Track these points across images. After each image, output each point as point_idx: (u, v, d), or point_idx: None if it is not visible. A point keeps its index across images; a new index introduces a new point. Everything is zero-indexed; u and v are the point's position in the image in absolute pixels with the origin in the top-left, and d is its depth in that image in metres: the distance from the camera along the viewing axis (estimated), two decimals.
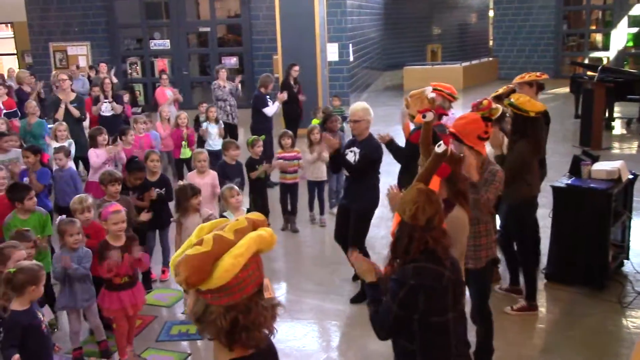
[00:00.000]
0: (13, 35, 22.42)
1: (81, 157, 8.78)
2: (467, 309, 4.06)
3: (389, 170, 6.85)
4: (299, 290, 6.21)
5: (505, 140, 5.58)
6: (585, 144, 10.81)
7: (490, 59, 22.76)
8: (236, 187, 5.78)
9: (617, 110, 13.80)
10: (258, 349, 1.89)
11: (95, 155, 7.43)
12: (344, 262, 6.31)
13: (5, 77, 14.81)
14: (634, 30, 21.06)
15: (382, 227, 7.47)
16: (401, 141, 6.26)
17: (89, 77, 13.46)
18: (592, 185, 5.93)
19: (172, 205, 6.36)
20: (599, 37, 22.94)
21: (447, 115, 6.14)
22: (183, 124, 9.25)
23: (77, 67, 14.34)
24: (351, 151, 5.89)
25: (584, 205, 5.86)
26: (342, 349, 5.21)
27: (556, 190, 6.03)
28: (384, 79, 22.34)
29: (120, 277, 4.82)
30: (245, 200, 6.91)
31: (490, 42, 26.21)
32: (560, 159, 8.52)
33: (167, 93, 11.48)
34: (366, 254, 5.74)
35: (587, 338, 5.15)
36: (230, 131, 10.29)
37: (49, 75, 15.14)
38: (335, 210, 7.98)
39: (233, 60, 18.13)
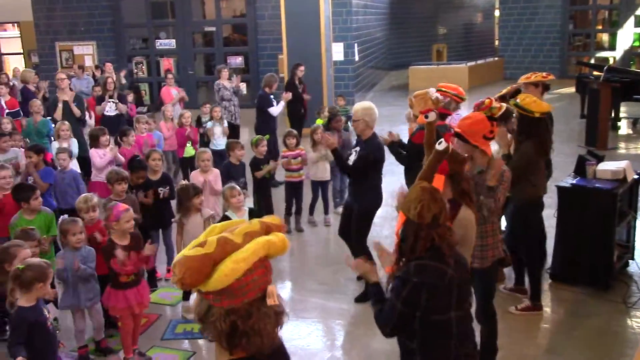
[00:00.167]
0: (19, 35, 22.51)
1: (80, 157, 8.76)
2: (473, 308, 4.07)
3: (393, 170, 6.86)
4: (303, 290, 6.22)
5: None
6: (591, 144, 10.79)
7: (496, 58, 22.72)
8: (237, 187, 5.78)
9: (623, 110, 13.74)
10: (259, 354, 1.86)
11: (99, 156, 7.43)
12: None
13: (11, 76, 14.88)
14: None
15: (385, 227, 7.48)
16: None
17: (94, 77, 13.50)
18: (597, 185, 5.92)
19: (173, 203, 6.38)
20: (605, 37, 22.87)
21: (450, 114, 6.16)
22: (187, 122, 9.26)
23: (80, 66, 14.35)
24: (355, 151, 5.90)
25: (589, 205, 5.85)
26: (346, 347, 5.22)
27: (561, 190, 6.02)
28: (389, 78, 22.33)
29: (127, 276, 4.85)
30: (249, 199, 6.92)
31: (496, 42, 26.18)
32: (566, 159, 8.50)
33: (172, 92, 11.51)
34: (368, 253, 5.76)
35: (592, 338, 5.14)
36: (232, 131, 10.29)
37: (55, 75, 15.18)
38: (340, 209, 8.02)
39: (238, 60, 18.15)
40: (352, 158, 5.86)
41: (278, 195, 8.11)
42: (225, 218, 5.53)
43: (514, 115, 5.46)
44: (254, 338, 1.83)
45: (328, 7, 13.72)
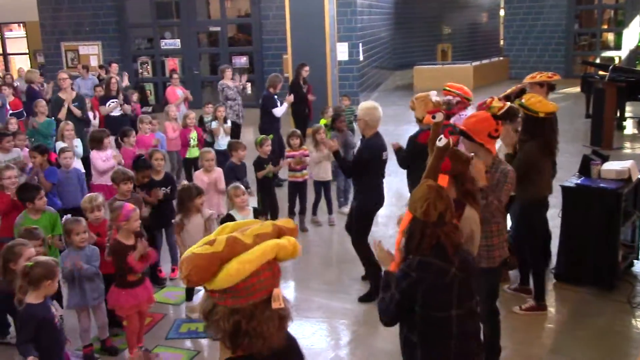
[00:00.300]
0: (25, 35, 22.61)
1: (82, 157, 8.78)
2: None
3: (397, 171, 6.84)
4: (308, 289, 6.23)
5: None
6: (596, 144, 10.76)
7: (501, 58, 22.68)
8: (242, 187, 5.80)
9: (629, 110, 13.72)
10: (259, 354, 1.87)
11: (101, 159, 7.44)
12: (352, 262, 6.33)
13: (15, 76, 14.94)
14: None
15: (390, 226, 7.48)
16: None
17: (99, 77, 13.51)
18: (601, 185, 5.91)
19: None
20: (610, 37, 22.80)
21: (454, 113, 6.17)
22: (191, 123, 9.25)
23: (85, 66, 14.38)
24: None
25: (593, 205, 5.84)
26: (350, 347, 5.22)
27: (565, 190, 6.01)
28: (394, 78, 22.31)
29: (135, 274, 4.88)
30: (253, 199, 6.93)
31: (501, 42, 26.13)
32: (571, 158, 8.49)
33: (177, 92, 11.53)
34: (369, 251, 5.78)
35: (596, 338, 5.13)
36: (234, 131, 10.31)
37: (57, 75, 15.22)
38: (344, 209, 8.04)
39: (243, 60, 18.18)
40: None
41: (282, 195, 8.12)
42: (229, 217, 5.55)
43: (520, 115, 5.46)
44: (256, 339, 1.84)
45: (333, 6, 13.72)
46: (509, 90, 6.57)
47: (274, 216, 7.33)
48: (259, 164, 7.36)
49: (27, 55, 22.62)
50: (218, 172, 6.83)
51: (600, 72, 14.31)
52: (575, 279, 5.95)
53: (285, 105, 10.24)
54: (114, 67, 13.26)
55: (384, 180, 6.02)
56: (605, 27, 22.85)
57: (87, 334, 5.05)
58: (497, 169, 4.36)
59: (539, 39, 21.62)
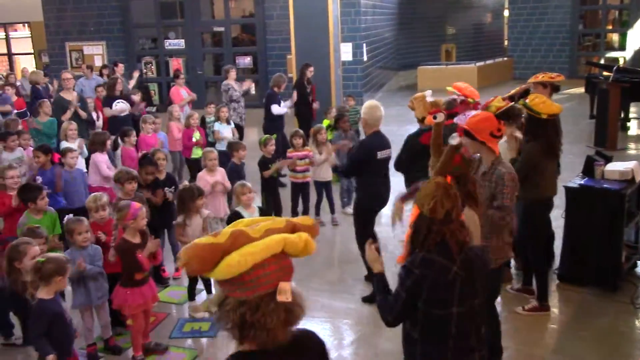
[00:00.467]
0: (30, 35, 22.67)
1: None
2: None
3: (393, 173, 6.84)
4: (311, 289, 6.23)
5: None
6: (600, 145, 10.74)
7: (505, 58, 22.64)
8: (248, 184, 5.83)
9: (633, 110, 13.68)
10: (267, 347, 1.90)
11: (106, 165, 7.47)
12: (355, 262, 6.34)
13: (19, 76, 14.97)
14: None
15: (394, 227, 7.46)
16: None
17: (107, 76, 13.49)
18: (605, 185, 5.90)
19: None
20: (615, 37, 22.75)
21: (457, 112, 6.17)
22: (195, 124, 9.25)
23: (89, 66, 14.42)
24: None
25: (596, 205, 5.83)
26: (353, 347, 5.22)
27: (569, 191, 6.00)
28: (397, 78, 22.31)
29: (142, 273, 4.92)
30: (257, 198, 6.94)
31: (505, 42, 26.08)
32: (574, 159, 8.48)
33: (181, 93, 11.55)
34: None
35: (599, 339, 5.12)
36: (238, 133, 10.33)
37: (61, 75, 15.27)
38: (347, 209, 8.05)
39: (247, 60, 18.20)
40: None
41: (286, 195, 8.12)
42: (236, 214, 5.58)
43: (523, 115, 5.46)
44: (260, 331, 1.87)
45: (337, 7, 13.73)
46: (512, 91, 6.56)
47: (278, 216, 7.34)
48: (263, 163, 7.38)
49: (32, 55, 22.67)
50: (221, 172, 6.86)
51: (605, 73, 14.29)
52: (578, 279, 5.95)
53: (287, 104, 10.25)
54: (120, 67, 13.27)
55: (391, 180, 6.03)
56: (610, 27, 22.80)
57: (91, 333, 5.07)
58: (494, 171, 4.35)
59: (543, 40, 21.58)
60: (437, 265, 2.95)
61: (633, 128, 13.24)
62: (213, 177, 6.75)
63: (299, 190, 7.83)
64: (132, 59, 18.37)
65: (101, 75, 13.55)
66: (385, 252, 6.23)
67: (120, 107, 10.24)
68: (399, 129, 11.70)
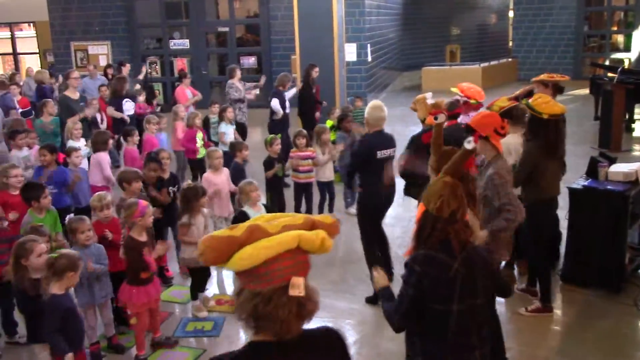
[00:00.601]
0: (35, 35, 22.74)
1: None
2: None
3: None
4: None
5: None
6: (604, 146, 10.72)
7: (510, 59, 22.61)
8: (255, 182, 5.86)
9: (638, 112, 13.63)
10: (281, 339, 1.95)
11: (111, 166, 7.49)
12: (358, 262, 6.35)
13: (23, 75, 15.01)
14: None
15: (397, 227, 7.48)
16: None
17: (112, 76, 13.53)
18: (608, 187, 5.89)
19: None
20: (620, 38, 22.69)
21: (460, 113, 6.19)
22: (198, 124, 9.25)
23: (94, 66, 14.46)
24: None
25: (600, 207, 5.82)
26: (356, 347, 5.23)
27: (572, 192, 6.00)
28: (402, 79, 22.30)
29: (149, 272, 4.96)
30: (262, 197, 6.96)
31: (510, 43, 26.04)
32: (579, 160, 8.45)
33: (187, 92, 11.58)
34: (375, 257, 5.85)
35: (602, 340, 5.12)
36: (242, 131, 10.38)
37: (70, 74, 15.29)
38: (350, 209, 8.05)
39: (251, 60, 18.22)
40: None
41: (289, 195, 8.13)
42: (242, 214, 5.59)
43: (527, 115, 5.47)
44: (273, 323, 1.92)
45: (341, 7, 13.72)
46: (517, 92, 6.58)
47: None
48: (269, 163, 7.40)
49: (37, 55, 22.74)
50: (226, 173, 6.89)
51: (610, 74, 14.27)
52: (581, 281, 5.94)
53: (292, 91, 10.49)
54: (127, 67, 13.30)
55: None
56: (615, 28, 22.74)
57: (94, 331, 5.09)
58: (487, 171, 4.38)
59: (548, 41, 21.54)
60: (437, 261, 2.98)
61: (637, 129, 13.20)
62: (219, 177, 6.77)
63: (302, 190, 7.83)
64: (137, 58, 18.41)
65: (105, 75, 13.59)
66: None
67: (129, 106, 10.30)
68: (403, 129, 11.69)
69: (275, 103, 10.04)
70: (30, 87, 13.46)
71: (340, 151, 8.15)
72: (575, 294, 5.87)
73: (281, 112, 10.08)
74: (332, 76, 13.35)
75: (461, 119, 6.18)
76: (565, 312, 5.62)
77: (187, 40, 18.64)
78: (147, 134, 8.73)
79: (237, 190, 6.26)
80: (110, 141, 7.78)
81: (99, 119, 10.38)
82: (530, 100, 5.27)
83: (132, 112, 10.47)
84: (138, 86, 12.33)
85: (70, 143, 7.99)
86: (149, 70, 18.56)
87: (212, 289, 6.37)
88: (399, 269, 3.50)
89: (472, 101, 6.38)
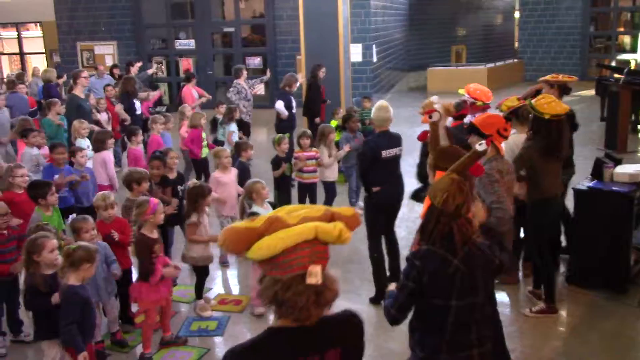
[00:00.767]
0: (42, 35, 22.82)
1: None
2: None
3: (409, 172, 6.84)
4: None
5: None
6: (610, 147, 10.69)
7: (516, 60, 22.57)
8: (262, 180, 5.90)
9: None
10: (301, 324, 2.04)
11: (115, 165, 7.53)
12: (361, 262, 6.35)
13: (30, 75, 15.06)
14: None
15: (402, 228, 7.48)
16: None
17: (119, 76, 13.57)
18: (614, 188, 5.87)
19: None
20: (626, 39, 22.62)
21: (466, 113, 6.19)
22: (203, 124, 9.28)
23: (103, 66, 14.54)
24: None
25: (605, 208, 5.81)
26: None
27: (578, 193, 5.98)
28: (407, 80, 22.29)
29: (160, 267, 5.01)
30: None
31: (516, 44, 25.99)
32: (585, 161, 8.43)
33: (193, 92, 11.64)
34: (377, 253, 5.91)
35: (607, 342, 5.11)
36: (246, 129, 10.43)
37: (79, 73, 15.34)
38: (356, 209, 8.05)
39: (257, 61, 18.24)
40: None
41: (294, 195, 8.14)
42: (253, 214, 5.60)
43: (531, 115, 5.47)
44: (292, 309, 2.01)
45: (347, 8, 13.71)
46: (526, 91, 6.58)
47: None
48: (276, 162, 7.42)
49: (44, 55, 22.82)
50: (234, 172, 6.92)
51: (616, 75, 14.21)
52: (586, 282, 5.93)
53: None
54: (136, 66, 13.36)
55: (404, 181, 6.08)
56: (621, 29, 22.67)
57: (99, 329, 5.11)
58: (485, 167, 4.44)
59: (554, 42, 21.49)
60: (438, 257, 3.03)
61: None
62: (227, 176, 6.80)
63: (306, 190, 7.83)
64: (143, 58, 18.44)
65: (112, 74, 13.63)
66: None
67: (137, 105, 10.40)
68: (408, 130, 11.70)
69: (280, 105, 10.06)
70: (38, 86, 13.51)
71: (347, 152, 8.15)
72: (580, 295, 5.85)
73: (286, 113, 10.10)
74: (337, 77, 13.34)
75: (467, 119, 6.18)
76: (570, 313, 5.61)
77: (193, 41, 18.67)
78: (153, 134, 8.74)
79: (241, 191, 6.28)
80: (111, 140, 7.78)
81: (105, 119, 10.42)
82: (533, 101, 5.27)
83: (139, 111, 10.53)
84: (145, 92, 12.34)
85: (78, 142, 8.03)
86: (155, 71, 18.63)
87: (216, 289, 6.38)
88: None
89: (478, 103, 6.38)
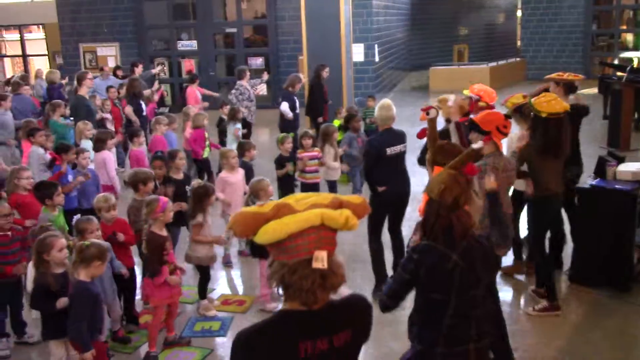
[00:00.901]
0: (44, 37, 22.87)
1: None
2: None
3: (414, 171, 6.84)
4: None
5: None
6: (613, 145, 10.67)
7: (518, 59, 22.55)
8: (266, 179, 5.94)
9: None
10: (309, 307, 2.11)
11: (115, 164, 7.55)
12: (364, 261, 6.35)
13: (32, 77, 15.08)
14: None
15: (405, 227, 7.46)
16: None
17: (123, 77, 13.59)
18: (616, 186, 5.86)
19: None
20: (629, 37, 22.58)
21: (471, 111, 6.21)
22: (206, 125, 9.29)
23: (106, 68, 14.56)
24: None
25: (608, 206, 5.80)
26: (364, 347, 5.21)
27: (580, 192, 5.98)
28: (409, 79, 22.28)
29: (169, 265, 5.05)
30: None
31: (518, 43, 25.98)
32: (587, 159, 8.39)
33: (197, 93, 11.67)
34: (380, 250, 6.01)
35: (610, 340, 5.10)
36: (249, 130, 10.45)
37: (84, 75, 15.35)
38: None
39: (259, 61, 18.25)
40: None
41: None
42: None
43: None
44: (299, 292, 2.09)
45: (348, 8, 13.73)
46: (534, 90, 6.59)
47: None
48: (280, 161, 7.43)
49: (46, 57, 22.87)
50: (241, 172, 6.93)
51: (618, 73, 14.19)
52: (589, 280, 5.92)
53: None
54: (140, 67, 13.38)
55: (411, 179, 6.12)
56: (624, 27, 22.63)
57: (105, 328, 5.13)
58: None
59: (557, 40, 21.46)
60: (436, 252, 3.07)
61: None
62: (234, 176, 6.82)
63: (309, 190, 7.83)
64: (145, 60, 18.47)
65: (115, 76, 13.66)
66: (390, 250, 6.23)
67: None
68: (410, 129, 11.69)
69: (285, 107, 10.08)
70: (42, 88, 13.53)
71: (343, 151, 8.22)
72: (582, 294, 5.85)
73: (291, 114, 10.12)
74: (339, 76, 13.36)
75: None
76: (572, 312, 5.60)
77: (195, 42, 18.70)
78: (156, 134, 8.75)
79: (247, 190, 6.29)
80: (112, 141, 7.78)
81: (109, 119, 10.47)
82: (533, 99, 5.30)
83: (145, 112, 10.59)
84: (148, 90, 12.36)
85: (83, 143, 8.05)
86: (158, 71, 18.64)
87: (219, 290, 6.39)
88: None
89: (481, 103, 6.40)
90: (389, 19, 18.57)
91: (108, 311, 5.21)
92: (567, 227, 6.39)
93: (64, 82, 13.23)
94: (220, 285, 6.49)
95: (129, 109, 10.68)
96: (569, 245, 6.46)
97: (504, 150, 5.20)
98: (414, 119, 12.96)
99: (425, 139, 4.82)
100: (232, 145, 8.98)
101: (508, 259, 6.23)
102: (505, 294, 5.90)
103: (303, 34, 13.74)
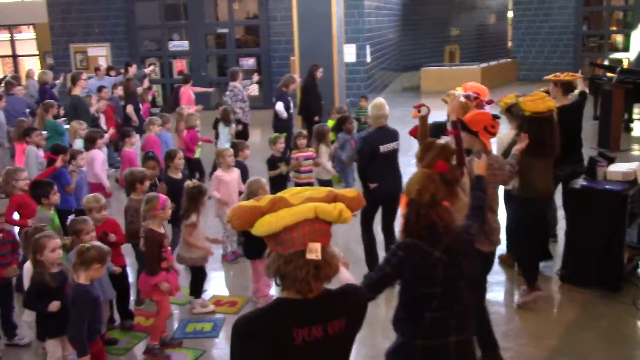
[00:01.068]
0: (35, 37, 22.76)
1: None
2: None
3: (406, 170, 6.86)
4: None
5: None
6: (603, 146, 10.72)
7: (509, 60, 22.63)
8: (262, 179, 5.96)
9: (637, 111, 13.67)
10: (304, 296, 2.19)
11: (100, 165, 7.53)
12: (357, 262, 6.34)
13: (23, 77, 15.01)
14: None
15: (397, 225, 7.48)
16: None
17: (109, 76, 13.57)
18: (607, 186, 5.89)
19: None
20: (619, 38, 22.70)
21: None
22: (198, 125, 9.29)
23: (101, 67, 14.51)
24: None
25: (599, 206, 5.83)
26: (355, 347, 5.21)
27: (571, 192, 6.01)
28: (401, 80, 22.32)
29: (166, 262, 5.08)
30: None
31: (509, 43, 26.06)
32: None
33: (190, 93, 11.66)
34: (367, 239, 6.14)
35: (601, 340, 5.13)
36: (244, 130, 10.45)
37: (79, 75, 15.28)
38: None
39: (251, 62, 18.23)
40: None
41: None
42: None
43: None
44: (293, 282, 2.16)
45: (340, 8, 13.74)
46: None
47: None
48: (272, 161, 7.43)
49: (37, 57, 22.76)
50: (237, 171, 6.94)
51: (608, 74, 14.28)
52: (580, 280, 5.95)
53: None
54: (134, 67, 13.33)
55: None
56: (614, 28, 22.74)
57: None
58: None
59: (547, 41, 21.55)
60: (419, 249, 3.15)
61: (636, 129, 13.22)
62: (230, 175, 6.83)
63: None
64: (137, 60, 18.41)
65: (108, 76, 13.64)
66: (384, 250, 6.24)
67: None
68: (402, 130, 11.72)
69: (280, 107, 10.09)
70: (35, 88, 13.47)
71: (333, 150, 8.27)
72: (574, 294, 5.88)
73: (285, 114, 10.14)
74: (331, 77, 13.36)
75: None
76: (564, 312, 5.64)
77: (186, 42, 18.65)
78: (149, 134, 8.71)
79: (243, 189, 6.29)
80: (101, 140, 7.74)
81: (102, 120, 10.44)
82: (521, 98, 5.36)
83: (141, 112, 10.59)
84: (141, 88, 12.32)
85: (76, 144, 8.02)
86: (150, 72, 18.59)
87: (211, 290, 6.37)
88: None
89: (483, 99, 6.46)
90: (381, 20, 18.59)
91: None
92: (562, 226, 6.43)
93: (57, 82, 13.17)
94: (212, 287, 6.47)
95: (130, 108, 10.67)
96: (559, 245, 6.50)
97: (494, 150, 5.21)
98: (406, 119, 12.98)
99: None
100: (224, 146, 8.98)
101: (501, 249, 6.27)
102: (497, 294, 5.92)
103: (295, 35, 13.73)
